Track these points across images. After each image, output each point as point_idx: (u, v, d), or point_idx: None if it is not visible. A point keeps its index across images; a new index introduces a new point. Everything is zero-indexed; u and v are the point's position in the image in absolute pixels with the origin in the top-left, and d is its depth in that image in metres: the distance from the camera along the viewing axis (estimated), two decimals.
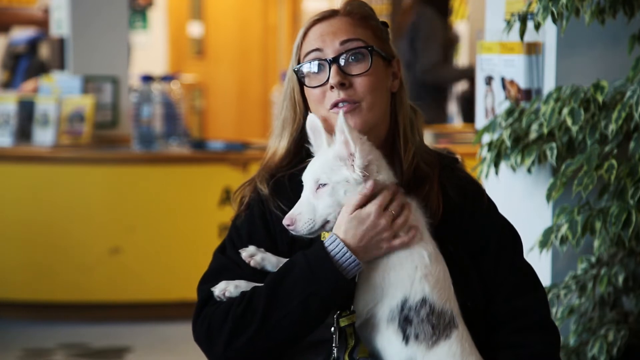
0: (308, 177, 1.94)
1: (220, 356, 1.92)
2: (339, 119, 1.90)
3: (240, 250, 1.97)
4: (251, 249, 1.97)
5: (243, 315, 1.89)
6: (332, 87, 1.98)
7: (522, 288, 2.04)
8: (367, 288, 1.89)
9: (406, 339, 1.86)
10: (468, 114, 6.56)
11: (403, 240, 1.90)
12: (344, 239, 1.88)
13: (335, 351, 1.90)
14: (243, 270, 1.96)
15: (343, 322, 1.89)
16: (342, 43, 1.99)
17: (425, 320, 1.86)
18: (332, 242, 1.89)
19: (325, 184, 1.92)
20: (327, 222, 1.92)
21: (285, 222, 1.92)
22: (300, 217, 1.91)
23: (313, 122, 1.98)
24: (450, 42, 6.77)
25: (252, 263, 1.95)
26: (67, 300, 5.45)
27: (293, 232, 1.92)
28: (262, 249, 1.97)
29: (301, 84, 2.05)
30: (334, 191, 1.92)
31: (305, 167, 1.97)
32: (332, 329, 1.89)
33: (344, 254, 1.87)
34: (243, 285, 1.93)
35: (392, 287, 1.88)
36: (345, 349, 1.91)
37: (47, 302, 5.45)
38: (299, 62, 2.04)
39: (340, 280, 1.86)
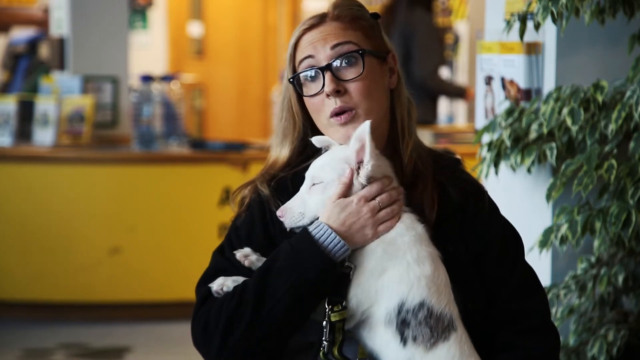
0: (308, 173, 1.97)
1: (217, 354, 1.92)
2: (362, 128, 1.90)
3: (235, 252, 1.97)
4: (246, 250, 1.97)
5: (235, 308, 1.90)
6: (328, 95, 1.98)
7: (522, 290, 2.04)
8: (361, 288, 1.89)
9: (404, 341, 1.86)
10: None
11: (387, 225, 1.92)
12: (326, 222, 1.90)
13: (325, 346, 1.90)
14: (241, 271, 1.96)
15: (334, 317, 1.88)
16: (333, 47, 1.99)
17: (423, 322, 1.86)
18: (316, 226, 1.90)
19: (320, 182, 1.93)
20: (317, 219, 1.93)
21: (278, 212, 1.95)
22: (291, 211, 1.93)
23: (321, 140, 2.00)
24: (440, 43, 6.76)
25: (246, 263, 1.95)
26: (67, 300, 5.45)
27: (284, 225, 1.95)
28: (258, 253, 1.97)
29: (298, 93, 2.04)
30: (326, 190, 1.93)
31: (309, 166, 1.99)
32: (324, 322, 1.89)
33: (328, 236, 1.88)
34: (240, 280, 1.94)
35: (387, 290, 1.88)
36: (333, 344, 1.90)
37: (47, 302, 5.46)
38: (294, 72, 2.03)
39: (325, 262, 1.87)
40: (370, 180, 1.92)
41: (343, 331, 1.90)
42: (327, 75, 1.97)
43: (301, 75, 2.01)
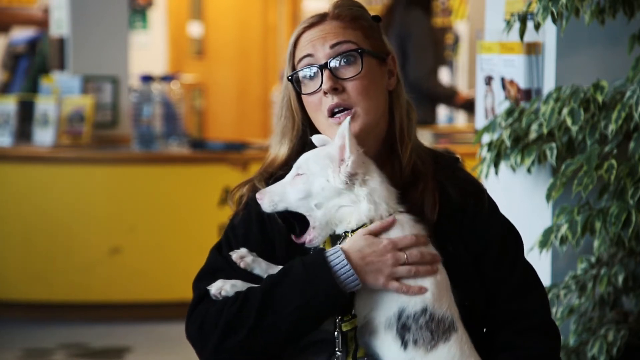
0: (295, 163, 1.96)
1: (211, 355, 1.92)
2: (343, 125, 1.90)
3: (230, 253, 1.96)
4: (242, 250, 1.96)
5: (237, 315, 1.89)
6: (325, 93, 1.98)
7: (523, 289, 2.04)
8: (362, 293, 1.89)
9: (405, 344, 1.86)
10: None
11: (401, 287, 1.87)
12: (347, 251, 1.87)
13: (338, 356, 1.89)
14: (237, 272, 1.95)
15: (345, 327, 1.87)
16: (332, 47, 1.99)
17: (424, 327, 1.86)
18: (334, 252, 1.88)
19: (303, 174, 1.93)
20: (295, 212, 1.93)
21: (257, 195, 1.95)
22: (270, 195, 1.94)
23: (321, 139, 1.99)
24: (438, 43, 6.74)
25: (242, 265, 1.95)
26: (67, 300, 5.45)
27: (262, 207, 1.95)
28: (254, 253, 1.97)
29: (297, 91, 2.04)
30: (307, 181, 1.92)
31: None
32: (335, 333, 1.88)
33: (343, 266, 1.86)
34: (239, 285, 1.93)
35: (387, 295, 1.88)
36: (346, 353, 1.90)
37: (47, 302, 5.46)
38: (293, 70, 2.03)
39: (335, 292, 1.85)
40: (351, 177, 1.91)
41: (355, 340, 1.89)
42: (325, 73, 1.97)
43: (300, 73, 2.01)
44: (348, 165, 1.89)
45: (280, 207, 1.94)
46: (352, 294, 1.88)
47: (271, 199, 1.94)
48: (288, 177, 1.95)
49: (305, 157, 1.95)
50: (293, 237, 1.96)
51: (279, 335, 1.88)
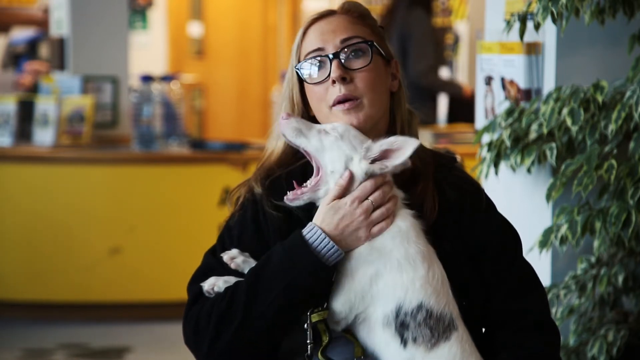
0: (336, 124, 1.96)
1: (209, 352, 1.92)
2: (413, 144, 1.91)
3: (222, 254, 1.97)
4: (233, 251, 1.97)
5: (227, 309, 1.90)
6: (333, 82, 1.99)
7: (522, 288, 2.04)
8: (354, 293, 1.88)
9: (404, 342, 1.86)
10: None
11: (382, 227, 1.90)
12: (320, 226, 1.90)
13: (309, 348, 1.90)
14: (230, 273, 1.96)
15: (314, 318, 1.89)
16: (343, 41, 2.00)
17: (423, 324, 1.85)
18: (310, 229, 1.90)
19: (334, 135, 1.93)
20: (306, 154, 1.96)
21: (284, 115, 1.96)
22: (295, 122, 1.94)
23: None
24: (438, 43, 6.75)
25: (233, 265, 1.96)
26: (67, 300, 5.45)
27: (280, 127, 1.96)
28: (247, 253, 1.97)
29: (301, 83, 2.05)
30: (332, 144, 1.92)
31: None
32: (305, 325, 1.89)
33: (322, 241, 1.88)
34: (232, 281, 1.94)
35: (382, 294, 1.87)
36: (319, 346, 1.90)
37: (47, 302, 5.46)
38: (299, 62, 2.04)
39: (318, 267, 1.87)
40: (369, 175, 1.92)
41: (329, 333, 1.90)
42: (335, 62, 1.99)
43: (307, 64, 2.02)
44: (378, 165, 1.91)
45: (298, 142, 1.94)
46: (329, 284, 1.88)
47: (296, 126, 1.94)
48: (322, 125, 1.96)
49: (347, 129, 1.94)
50: (295, 185, 1.96)
51: (268, 323, 1.89)
